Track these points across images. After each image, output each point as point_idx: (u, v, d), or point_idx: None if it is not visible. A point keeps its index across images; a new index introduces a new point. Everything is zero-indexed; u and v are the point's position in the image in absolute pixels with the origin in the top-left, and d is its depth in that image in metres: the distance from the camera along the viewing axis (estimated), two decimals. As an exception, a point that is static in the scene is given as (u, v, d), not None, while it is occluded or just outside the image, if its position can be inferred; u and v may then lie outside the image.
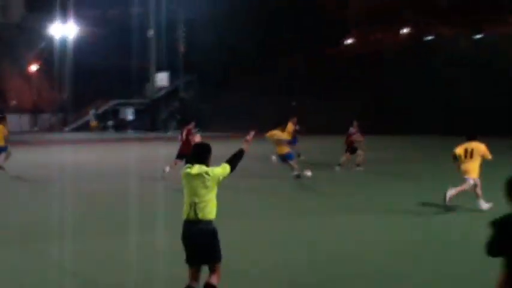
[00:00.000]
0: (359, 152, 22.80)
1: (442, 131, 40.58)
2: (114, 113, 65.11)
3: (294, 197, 16.68)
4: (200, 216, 6.68)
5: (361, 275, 8.75)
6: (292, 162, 20.00)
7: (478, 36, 47.58)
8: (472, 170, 13.87)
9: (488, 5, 48.38)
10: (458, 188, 13.88)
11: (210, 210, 6.74)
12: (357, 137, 23.00)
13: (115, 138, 47.92)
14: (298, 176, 19.79)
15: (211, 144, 7.09)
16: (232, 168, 6.98)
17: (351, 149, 22.95)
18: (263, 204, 15.28)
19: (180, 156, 19.30)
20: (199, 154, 7.00)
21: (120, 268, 9.16)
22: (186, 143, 18.99)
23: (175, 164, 19.16)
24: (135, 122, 63.40)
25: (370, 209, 14.37)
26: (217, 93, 55.06)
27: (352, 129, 23.24)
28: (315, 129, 43.03)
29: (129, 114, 66.07)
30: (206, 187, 6.75)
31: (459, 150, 14.10)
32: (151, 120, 61.97)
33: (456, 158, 14.05)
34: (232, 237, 10.05)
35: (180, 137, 19.67)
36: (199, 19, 56.76)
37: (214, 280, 6.75)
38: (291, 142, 23.40)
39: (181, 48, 58.32)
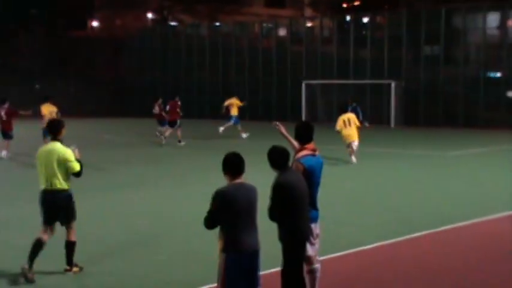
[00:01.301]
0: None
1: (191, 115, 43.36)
2: None
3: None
4: (55, 186, 8.29)
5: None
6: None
7: (216, 24, 51.15)
8: (354, 134, 19.47)
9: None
10: (350, 150, 19.62)
11: (62, 181, 8.31)
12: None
13: None
14: None
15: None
16: (78, 174, 8.44)
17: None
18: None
19: (3, 134, 21.13)
20: (53, 129, 8.49)
21: None
22: (6, 121, 21.02)
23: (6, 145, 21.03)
24: None
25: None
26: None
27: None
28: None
29: None
30: (59, 163, 8.26)
31: (340, 122, 19.40)
32: None
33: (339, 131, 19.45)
34: None
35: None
36: None
37: (72, 237, 8.52)
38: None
39: None
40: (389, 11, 45.05)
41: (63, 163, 8.23)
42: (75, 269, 8.53)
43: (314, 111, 41.07)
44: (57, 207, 8.31)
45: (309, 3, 61.94)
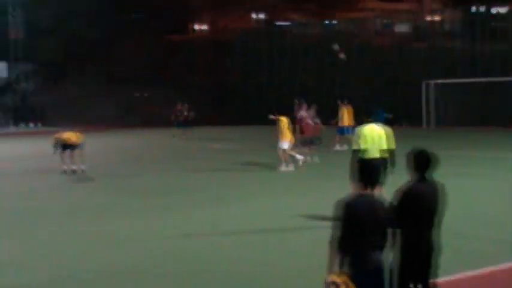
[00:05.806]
0: None
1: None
2: None
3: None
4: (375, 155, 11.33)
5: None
6: None
7: (328, 22, 49.78)
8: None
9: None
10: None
11: (381, 152, 11.41)
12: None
13: None
14: None
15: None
16: (392, 152, 11.50)
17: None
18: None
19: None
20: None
21: None
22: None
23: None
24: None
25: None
26: (59, 83, 53.56)
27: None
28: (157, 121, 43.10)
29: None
30: (384, 137, 11.60)
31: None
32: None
33: None
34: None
35: None
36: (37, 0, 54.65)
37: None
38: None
39: (18, 34, 55.73)
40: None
41: (384, 138, 11.32)
42: None
43: (438, 114, 39.13)
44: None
45: (430, -4, 59.63)
